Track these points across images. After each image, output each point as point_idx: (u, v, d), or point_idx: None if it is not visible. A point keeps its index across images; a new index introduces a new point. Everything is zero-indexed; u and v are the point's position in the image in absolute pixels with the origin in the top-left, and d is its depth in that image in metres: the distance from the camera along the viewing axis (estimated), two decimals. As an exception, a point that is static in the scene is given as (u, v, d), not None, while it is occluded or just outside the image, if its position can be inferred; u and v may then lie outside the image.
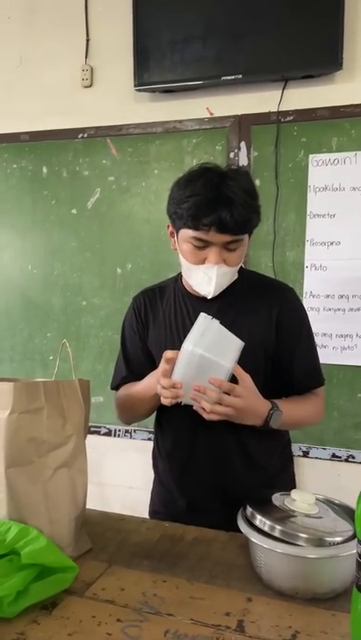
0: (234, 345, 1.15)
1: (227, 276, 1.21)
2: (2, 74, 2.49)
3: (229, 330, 1.20)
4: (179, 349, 1.25)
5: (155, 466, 1.45)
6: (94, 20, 2.32)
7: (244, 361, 1.24)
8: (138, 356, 1.40)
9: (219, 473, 1.30)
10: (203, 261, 1.19)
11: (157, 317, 1.36)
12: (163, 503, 1.41)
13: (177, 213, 1.19)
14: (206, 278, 1.20)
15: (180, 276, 1.37)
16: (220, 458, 1.29)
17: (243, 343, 1.15)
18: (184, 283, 1.35)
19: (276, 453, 1.37)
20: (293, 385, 1.32)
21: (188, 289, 1.33)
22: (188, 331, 1.25)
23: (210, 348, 1.11)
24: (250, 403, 1.14)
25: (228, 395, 1.11)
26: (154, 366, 1.34)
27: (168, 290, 1.39)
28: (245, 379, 1.15)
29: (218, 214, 1.11)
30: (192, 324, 1.26)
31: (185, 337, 1.24)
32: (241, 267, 1.38)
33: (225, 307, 1.29)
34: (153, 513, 1.44)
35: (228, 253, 1.18)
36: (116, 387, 1.45)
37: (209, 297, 1.23)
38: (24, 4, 2.43)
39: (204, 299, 1.28)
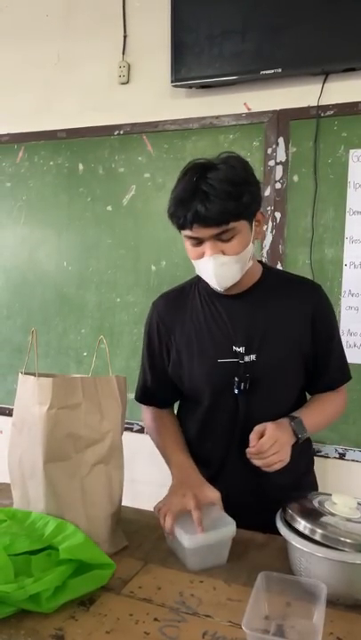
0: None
1: (228, 265, 1.17)
2: (40, 71, 2.51)
3: (265, 330, 1.25)
4: (211, 352, 1.27)
5: None
6: (132, 16, 2.32)
7: (280, 358, 1.27)
8: (163, 364, 1.37)
9: (250, 474, 1.28)
10: (202, 256, 1.19)
11: (184, 321, 1.33)
12: None
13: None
14: (207, 272, 1.19)
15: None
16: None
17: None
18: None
19: (302, 453, 1.35)
20: (325, 381, 1.34)
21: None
22: (221, 330, 1.28)
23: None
24: (280, 435, 1.16)
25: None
26: (178, 376, 1.34)
27: (189, 291, 1.36)
28: (258, 429, 1.17)
29: (193, 210, 1.12)
30: (224, 323, 1.28)
31: (218, 337, 1.27)
32: (267, 265, 1.39)
33: (256, 306, 1.28)
34: None
35: (223, 244, 1.16)
36: (141, 399, 1.43)
37: (219, 289, 1.23)
38: (62, 2, 2.44)
39: (232, 297, 1.28)
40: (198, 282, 1.35)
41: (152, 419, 1.42)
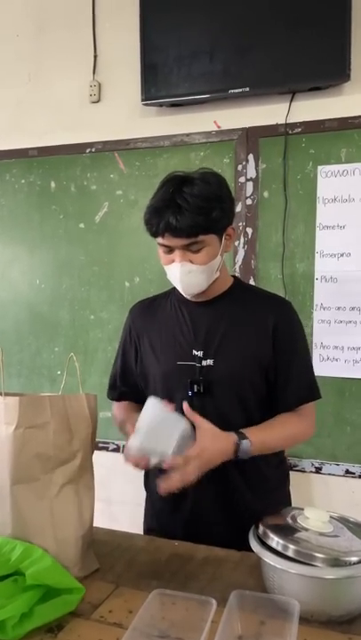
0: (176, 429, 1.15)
1: (195, 274, 1.24)
2: (11, 90, 2.51)
3: (224, 336, 1.29)
4: (172, 354, 1.32)
5: (147, 485, 1.45)
6: (102, 36, 2.34)
7: (236, 365, 1.28)
8: (130, 366, 1.44)
9: (217, 490, 1.27)
10: (172, 262, 1.26)
11: (153, 325, 1.40)
12: (158, 521, 1.40)
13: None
14: (175, 278, 1.27)
15: None
16: (218, 474, 1.26)
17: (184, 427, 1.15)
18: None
19: (271, 469, 1.35)
20: (286, 397, 1.30)
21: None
22: (183, 335, 1.33)
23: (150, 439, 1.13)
24: (209, 452, 1.15)
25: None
26: (144, 377, 1.39)
27: (164, 299, 1.43)
28: (201, 424, 1.17)
29: (165, 220, 1.19)
30: (187, 328, 1.33)
31: (180, 341, 1.32)
32: (238, 278, 1.43)
33: (219, 313, 1.32)
34: (148, 530, 1.43)
35: (192, 254, 1.23)
36: (110, 394, 1.50)
37: (185, 295, 1.30)
38: (32, 22, 2.46)
39: (198, 304, 1.33)
40: (173, 291, 1.41)
41: (118, 407, 1.48)
